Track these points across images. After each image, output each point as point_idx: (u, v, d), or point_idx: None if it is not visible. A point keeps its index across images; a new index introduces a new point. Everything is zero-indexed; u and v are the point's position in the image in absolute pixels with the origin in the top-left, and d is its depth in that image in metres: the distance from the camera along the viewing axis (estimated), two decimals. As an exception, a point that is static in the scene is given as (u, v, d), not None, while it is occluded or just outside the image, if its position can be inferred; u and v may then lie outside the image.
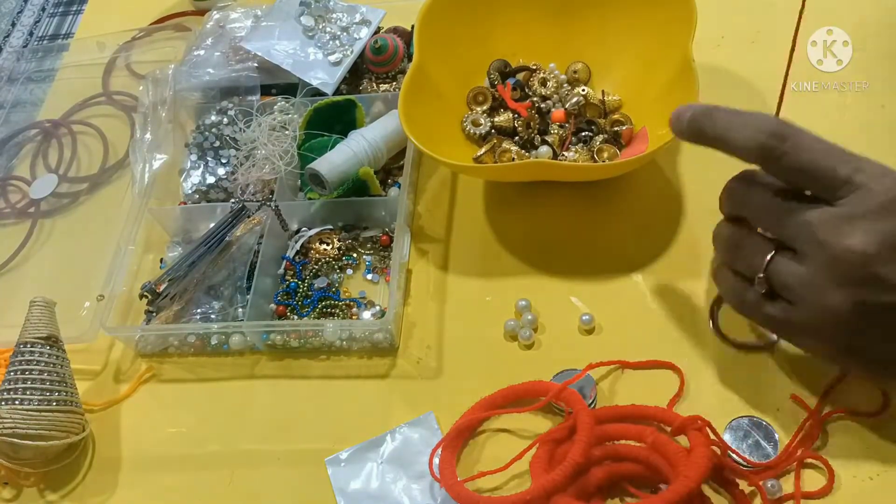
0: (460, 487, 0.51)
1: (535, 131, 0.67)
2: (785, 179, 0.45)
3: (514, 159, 0.65)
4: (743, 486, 0.49)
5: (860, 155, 0.43)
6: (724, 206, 0.49)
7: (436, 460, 0.53)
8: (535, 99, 0.69)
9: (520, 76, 0.71)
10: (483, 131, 0.68)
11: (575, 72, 0.70)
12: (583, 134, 0.66)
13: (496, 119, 0.68)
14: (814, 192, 0.44)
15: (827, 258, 0.42)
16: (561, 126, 0.67)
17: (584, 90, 0.69)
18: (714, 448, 0.49)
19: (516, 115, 0.68)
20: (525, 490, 0.48)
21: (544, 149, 0.66)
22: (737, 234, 0.48)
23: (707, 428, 0.49)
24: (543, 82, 0.70)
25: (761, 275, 0.46)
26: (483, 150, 0.66)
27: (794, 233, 0.44)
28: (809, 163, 0.43)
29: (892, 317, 0.42)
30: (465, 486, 0.51)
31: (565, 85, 0.70)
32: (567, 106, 0.68)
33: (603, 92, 0.69)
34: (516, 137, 0.68)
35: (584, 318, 0.58)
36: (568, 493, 0.49)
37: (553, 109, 0.69)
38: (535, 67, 0.71)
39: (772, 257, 0.45)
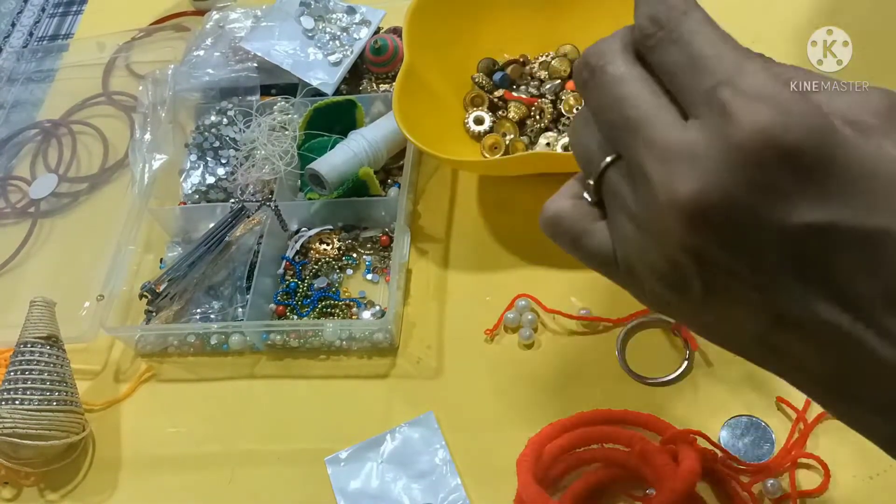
0: None
1: (548, 119, 0.67)
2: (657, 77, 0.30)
3: (529, 148, 0.66)
4: (739, 486, 0.49)
5: (759, 56, 0.29)
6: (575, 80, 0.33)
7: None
8: (534, 84, 0.70)
9: (509, 70, 0.71)
10: (486, 129, 0.68)
11: (565, 54, 0.71)
12: None
13: (509, 114, 0.69)
14: (678, 99, 0.29)
15: (653, 202, 0.28)
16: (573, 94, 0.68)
17: None
18: (711, 449, 0.49)
19: (532, 108, 0.69)
20: None
21: (542, 141, 0.67)
22: (581, 116, 0.33)
23: (700, 438, 0.49)
24: (546, 65, 0.70)
25: (591, 181, 0.33)
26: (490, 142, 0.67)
27: (626, 143, 0.30)
28: (677, 61, 0.29)
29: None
30: None
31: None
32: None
33: None
34: (529, 131, 0.68)
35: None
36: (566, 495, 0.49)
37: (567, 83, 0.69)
38: (522, 60, 0.71)
39: (608, 164, 0.31)
